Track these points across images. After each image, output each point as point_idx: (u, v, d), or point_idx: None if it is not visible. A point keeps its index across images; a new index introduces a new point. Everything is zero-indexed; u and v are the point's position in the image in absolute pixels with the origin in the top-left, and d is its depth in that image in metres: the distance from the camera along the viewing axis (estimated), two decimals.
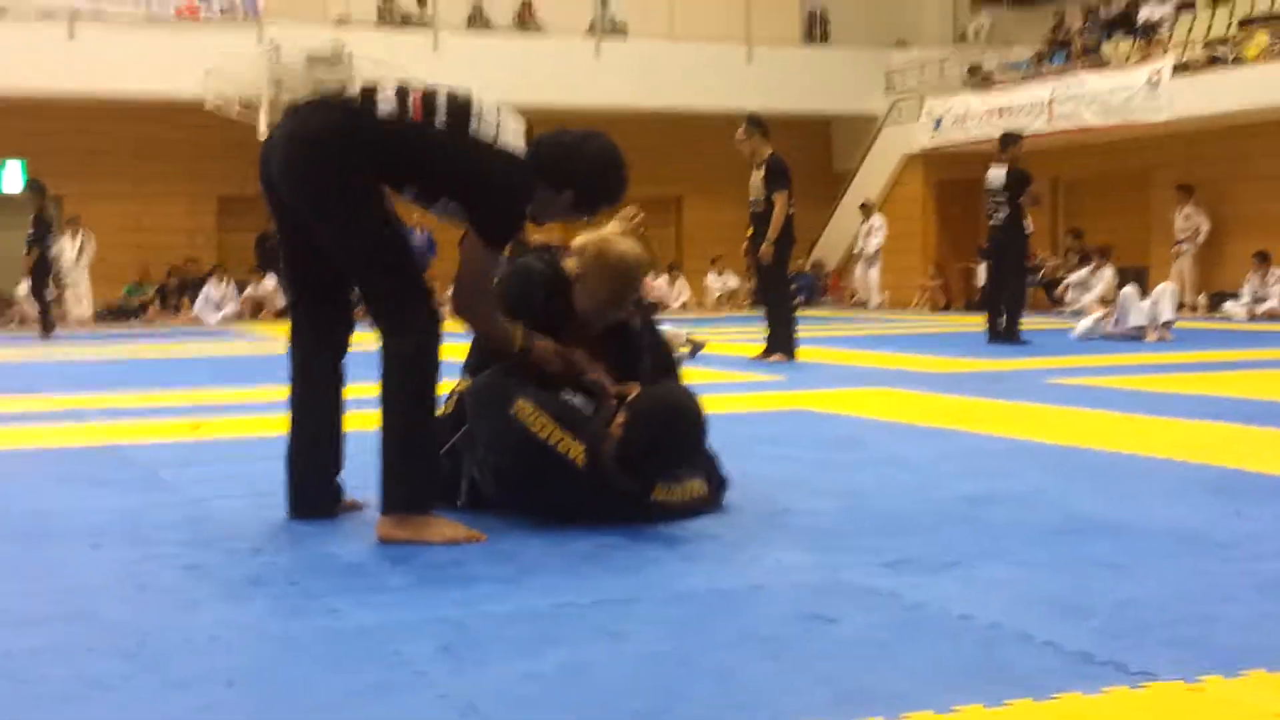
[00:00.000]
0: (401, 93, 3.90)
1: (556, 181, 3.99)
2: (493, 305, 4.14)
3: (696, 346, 11.03)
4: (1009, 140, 13.16)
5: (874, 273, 23.49)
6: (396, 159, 3.87)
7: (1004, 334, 12.73)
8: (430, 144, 3.86)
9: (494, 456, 4.11)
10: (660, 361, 4.61)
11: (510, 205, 3.93)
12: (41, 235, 16.66)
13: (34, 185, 17.00)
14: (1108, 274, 19.28)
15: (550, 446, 3.96)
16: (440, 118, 3.86)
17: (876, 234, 23.34)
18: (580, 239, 4.63)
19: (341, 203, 3.86)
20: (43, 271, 16.93)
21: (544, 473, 4.00)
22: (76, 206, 21.70)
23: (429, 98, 3.90)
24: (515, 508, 4.12)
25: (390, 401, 3.88)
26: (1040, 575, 3.35)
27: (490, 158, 3.87)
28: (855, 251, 23.97)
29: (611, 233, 4.47)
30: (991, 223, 13.01)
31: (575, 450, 3.97)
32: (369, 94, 3.89)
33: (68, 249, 21.08)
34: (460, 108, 3.90)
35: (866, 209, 23.70)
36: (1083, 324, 13.72)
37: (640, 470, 4.01)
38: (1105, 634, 2.80)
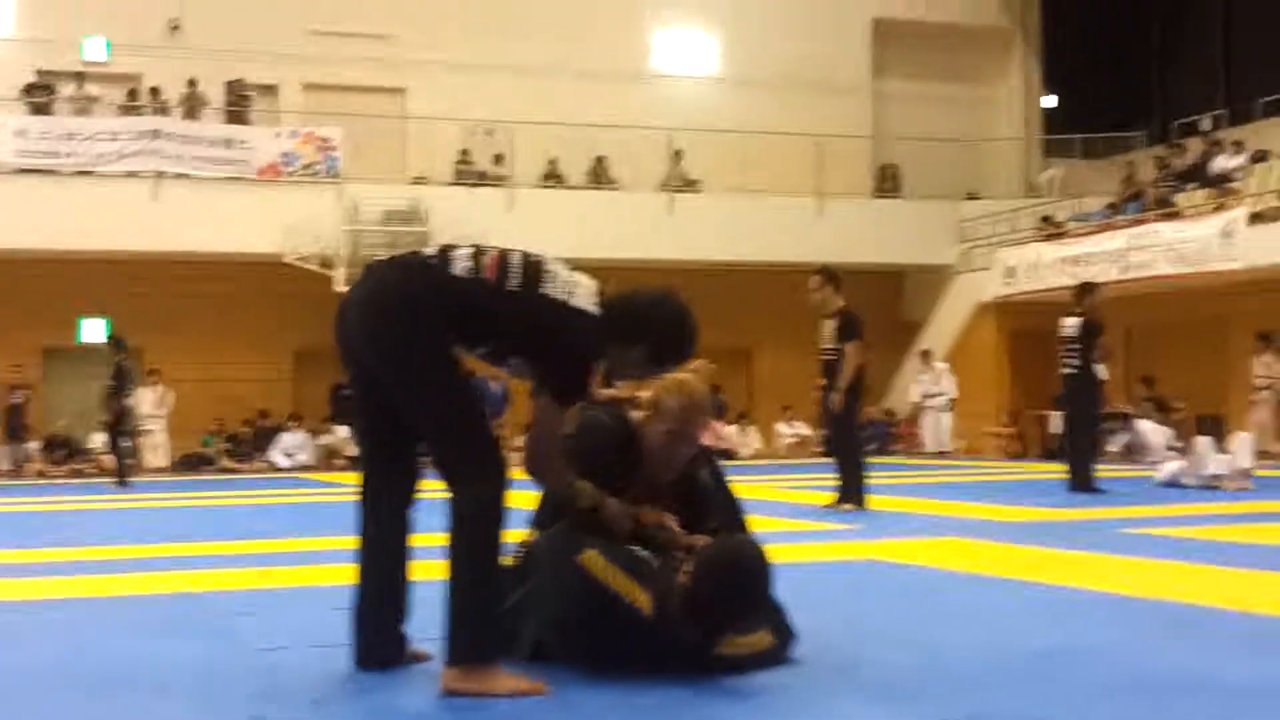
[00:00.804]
0: (477, 253, 3.98)
1: (629, 339, 4.04)
2: (561, 462, 4.17)
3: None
4: (1086, 290, 13.13)
5: (945, 419, 23.37)
6: (470, 318, 3.93)
7: (1078, 483, 12.47)
8: (504, 303, 3.92)
9: (560, 606, 4.09)
10: (728, 512, 4.59)
11: (582, 363, 3.98)
12: (120, 387, 16.96)
13: (114, 339, 17.35)
14: (1143, 425, 19.16)
15: (618, 595, 3.94)
16: (514, 277, 3.93)
17: (945, 380, 23.26)
18: (647, 391, 4.66)
19: (414, 361, 3.91)
20: (121, 422, 17.20)
21: (610, 622, 3.98)
22: (156, 358, 22.10)
23: (503, 258, 3.98)
24: (580, 659, 4.09)
25: (457, 554, 3.89)
26: None
27: (563, 316, 3.93)
28: (917, 400, 23.81)
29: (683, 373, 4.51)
30: (1064, 371, 12.95)
31: (642, 600, 3.95)
32: (445, 253, 3.99)
33: (146, 399, 21.48)
34: (533, 267, 3.97)
35: (926, 356, 23.67)
36: (1164, 470, 13.60)
37: (707, 621, 3.98)
38: None
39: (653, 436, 4.33)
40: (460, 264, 3.93)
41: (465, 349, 3.98)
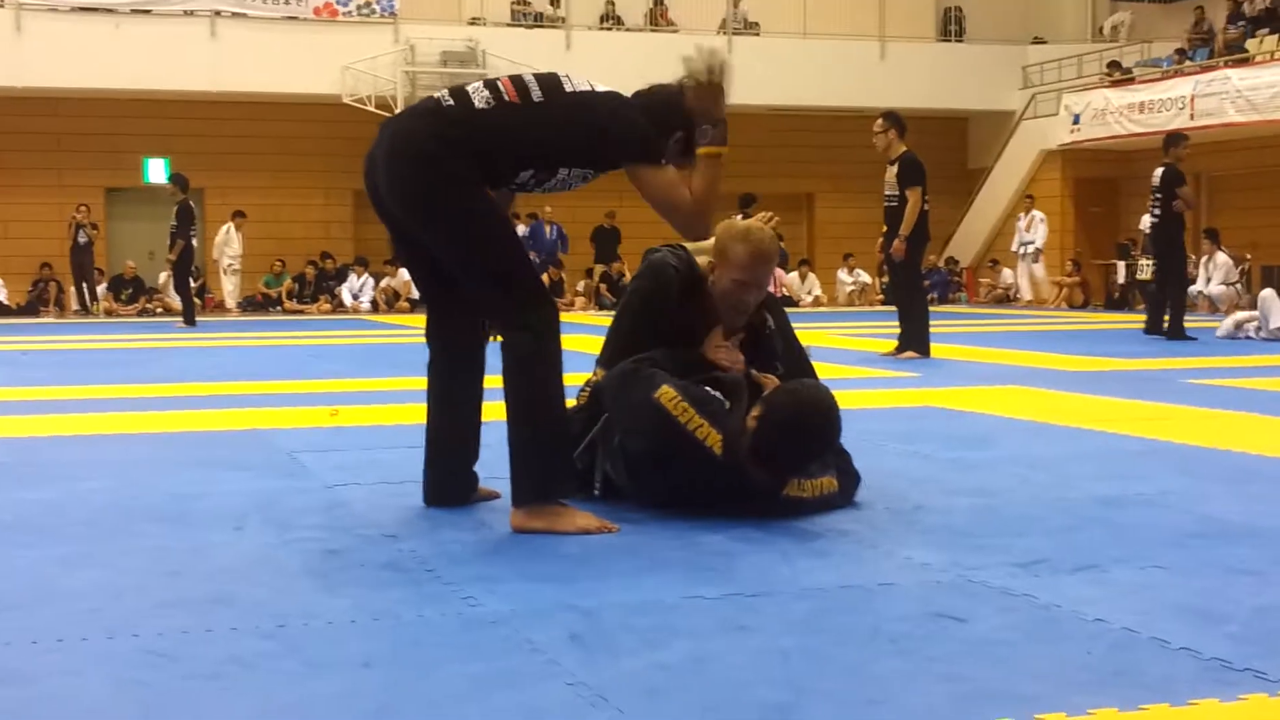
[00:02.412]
0: (489, 83, 3.97)
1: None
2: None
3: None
4: (1170, 141, 13.32)
5: (1038, 268, 23.05)
6: (504, 145, 3.89)
7: (1168, 332, 12.70)
8: (534, 115, 3.90)
9: (631, 439, 4.12)
10: (795, 358, 4.62)
11: (639, 122, 3.92)
12: (184, 228, 17.04)
13: (177, 179, 17.40)
14: (1222, 259, 18.96)
15: (689, 432, 3.97)
16: (535, 91, 3.93)
17: (1040, 228, 22.85)
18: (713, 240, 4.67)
19: (445, 210, 3.90)
20: (186, 263, 17.32)
21: (679, 458, 4.01)
22: (216, 199, 22.25)
23: (517, 79, 3.98)
24: (647, 496, 4.15)
25: (514, 398, 3.91)
26: (1176, 579, 3.30)
27: (596, 99, 3.94)
28: (1015, 249, 23.38)
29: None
30: (1152, 220, 13.15)
31: (713, 438, 3.97)
32: (459, 93, 3.96)
33: (235, 240, 21.72)
34: (549, 77, 3.99)
35: (1029, 202, 23.23)
36: (1226, 322, 13.57)
37: (774, 464, 4.02)
38: (1243, 640, 2.76)
39: (720, 283, 4.33)
40: (479, 97, 3.91)
41: (510, 184, 3.96)
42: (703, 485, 4.04)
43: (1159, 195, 12.87)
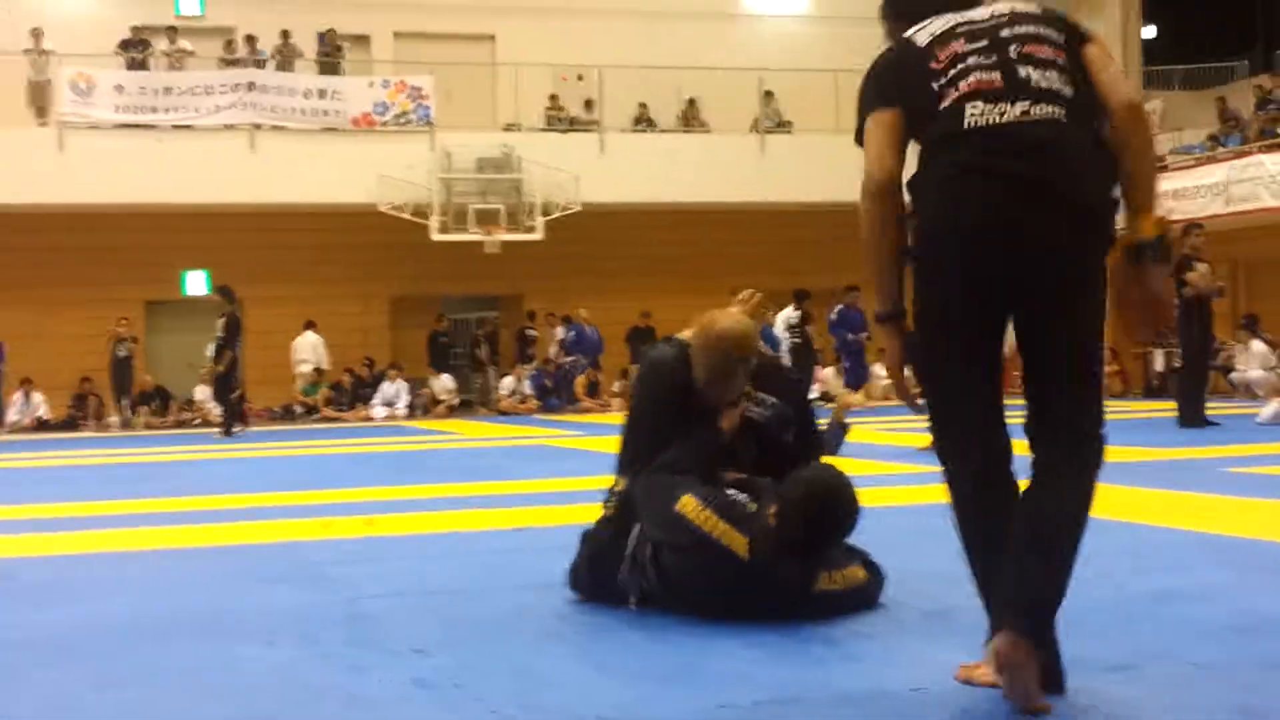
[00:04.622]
0: (1032, 59, 3.12)
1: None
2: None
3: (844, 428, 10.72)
4: (1183, 231, 13.34)
5: None
6: None
7: (1179, 419, 12.57)
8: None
9: (663, 549, 4.12)
10: (809, 442, 4.61)
11: None
12: (232, 339, 17.06)
13: (223, 290, 17.45)
14: (1258, 347, 18.80)
15: (714, 540, 3.98)
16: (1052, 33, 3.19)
17: None
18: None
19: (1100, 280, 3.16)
20: (230, 374, 17.34)
21: (707, 566, 4.00)
22: (255, 309, 22.44)
23: (1035, 34, 3.17)
24: (680, 603, 4.11)
25: (1076, 514, 3.50)
26: (1214, 676, 3.24)
27: None
28: None
29: (720, 311, 4.52)
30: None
31: (738, 543, 3.98)
32: (1049, 95, 3.08)
33: (322, 348, 22.10)
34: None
35: None
36: (1267, 409, 13.37)
37: (799, 550, 4.00)
38: None
39: (697, 371, 4.36)
40: (1060, 77, 3.11)
41: None
42: (731, 589, 4.01)
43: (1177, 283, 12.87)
